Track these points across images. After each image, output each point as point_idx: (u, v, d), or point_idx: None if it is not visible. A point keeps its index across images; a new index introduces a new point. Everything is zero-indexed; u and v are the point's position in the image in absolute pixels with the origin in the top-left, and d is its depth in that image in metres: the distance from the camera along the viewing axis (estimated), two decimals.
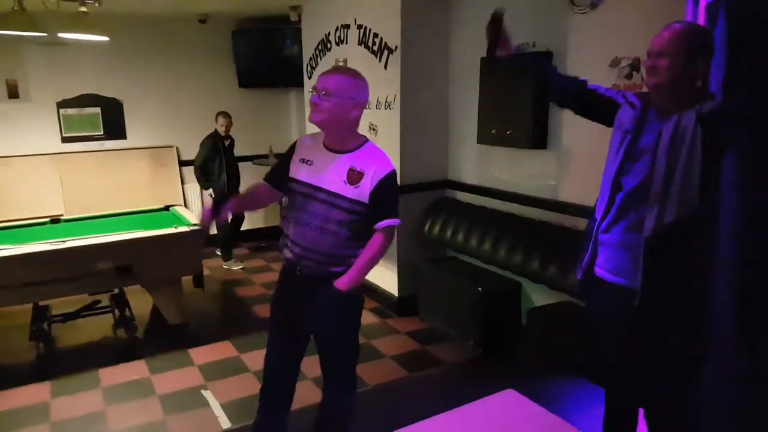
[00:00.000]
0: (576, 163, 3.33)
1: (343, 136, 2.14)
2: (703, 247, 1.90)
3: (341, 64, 4.76)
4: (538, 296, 3.59)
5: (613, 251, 1.98)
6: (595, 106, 2.09)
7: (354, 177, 2.09)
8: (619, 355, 2.08)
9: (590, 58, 3.13)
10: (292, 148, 2.27)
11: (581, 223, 3.22)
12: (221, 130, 5.45)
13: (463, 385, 3.32)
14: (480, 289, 3.61)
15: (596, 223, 2.03)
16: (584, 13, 3.16)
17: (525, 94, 3.44)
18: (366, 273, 2.19)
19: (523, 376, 3.27)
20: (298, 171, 2.19)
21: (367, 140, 2.19)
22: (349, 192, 2.09)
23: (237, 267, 5.64)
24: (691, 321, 1.90)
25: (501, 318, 3.69)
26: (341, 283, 2.14)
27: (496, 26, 2.17)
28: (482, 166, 4.04)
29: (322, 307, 2.20)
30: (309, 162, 2.17)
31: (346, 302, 2.20)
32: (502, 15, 2.17)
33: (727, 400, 1.96)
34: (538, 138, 3.46)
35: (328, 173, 2.12)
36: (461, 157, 4.24)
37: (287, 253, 2.24)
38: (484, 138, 3.84)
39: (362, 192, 2.08)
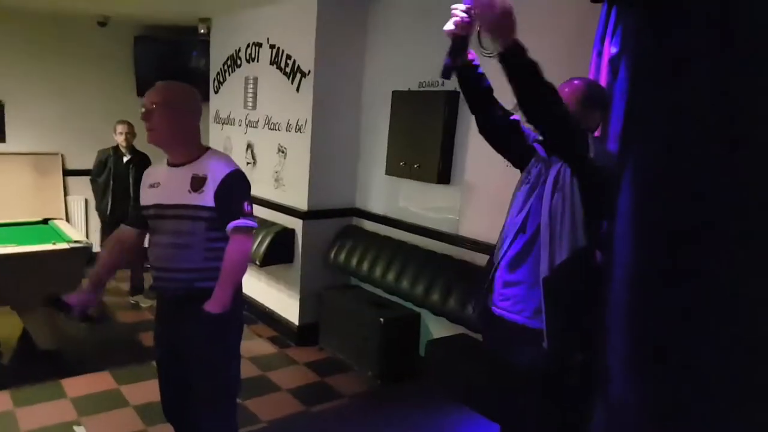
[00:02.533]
0: (477, 199, 3.45)
1: (183, 148, 2.12)
2: (595, 284, 2.00)
3: (250, 81, 4.64)
4: (437, 328, 3.64)
5: (510, 290, 2.04)
6: (518, 147, 2.13)
7: (197, 183, 2.04)
8: (516, 392, 2.13)
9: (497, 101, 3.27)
10: (142, 182, 2.22)
11: (479, 258, 3.34)
12: (120, 142, 4.56)
13: (361, 418, 3.27)
14: (381, 319, 3.60)
15: (495, 263, 2.09)
16: (492, 56, 3.31)
17: (433, 128, 3.53)
18: (232, 287, 2.04)
19: (419, 408, 3.29)
20: (147, 198, 2.15)
21: (210, 149, 2.18)
22: (194, 199, 2.04)
23: (147, 304, 4.79)
24: (589, 359, 1.99)
25: (400, 348, 3.70)
26: (210, 306, 2.01)
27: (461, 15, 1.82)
28: (389, 196, 4.08)
29: (189, 332, 2.07)
30: (156, 185, 2.13)
31: (215, 326, 2.04)
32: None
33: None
34: (443, 173, 3.55)
35: (173, 188, 2.08)
36: (369, 186, 4.25)
37: (154, 279, 2.18)
38: (392, 169, 3.88)
39: (207, 196, 2.03)
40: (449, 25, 1.79)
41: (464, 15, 1.76)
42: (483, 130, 2.17)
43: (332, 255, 4.16)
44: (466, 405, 3.06)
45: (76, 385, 3.44)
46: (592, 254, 1.92)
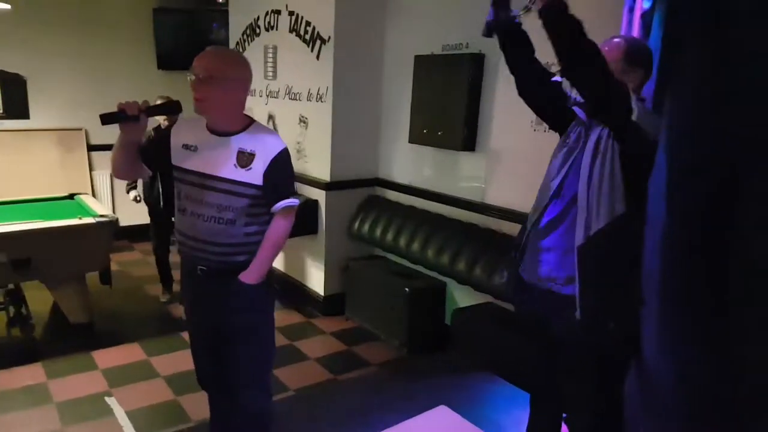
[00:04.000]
0: (503, 166, 3.34)
1: (228, 118, 2.00)
2: (631, 252, 1.91)
3: (270, 50, 4.56)
4: (463, 297, 3.59)
5: (543, 256, 1.97)
6: (558, 110, 2.04)
7: (244, 159, 1.96)
8: (549, 359, 2.08)
9: None
10: (169, 131, 2.10)
11: (506, 226, 3.26)
12: (162, 122, 4.13)
13: (389, 386, 3.27)
14: (407, 288, 3.56)
15: (529, 229, 2.02)
16: (533, 11, 3.16)
17: (458, 93, 3.41)
18: (271, 261, 2.07)
19: (447, 376, 3.26)
20: (183, 159, 2.02)
21: (253, 120, 2.07)
22: (241, 175, 1.96)
23: (165, 298, 4.46)
24: (623, 326, 1.91)
25: (426, 318, 3.66)
26: (247, 277, 2.01)
27: None
28: (413, 165, 3.99)
29: (229, 304, 2.05)
30: (193, 148, 2.01)
31: (254, 296, 2.05)
32: None
33: (649, 403, 2.00)
34: (467, 140, 3.45)
35: (216, 158, 1.98)
36: (392, 155, 4.17)
37: (183, 249, 2.08)
38: (415, 137, 3.79)
39: (255, 174, 1.96)
40: None
41: None
42: (522, 92, 2.10)
43: (356, 225, 4.12)
44: (495, 373, 3.03)
45: (107, 357, 3.50)
46: (630, 221, 1.82)
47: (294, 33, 4.27)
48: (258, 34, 4.75)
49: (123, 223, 4.14)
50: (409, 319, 3.59)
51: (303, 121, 4.33)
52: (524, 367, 2.35)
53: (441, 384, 3.17)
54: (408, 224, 3.78)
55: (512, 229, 3.16)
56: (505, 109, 3.26)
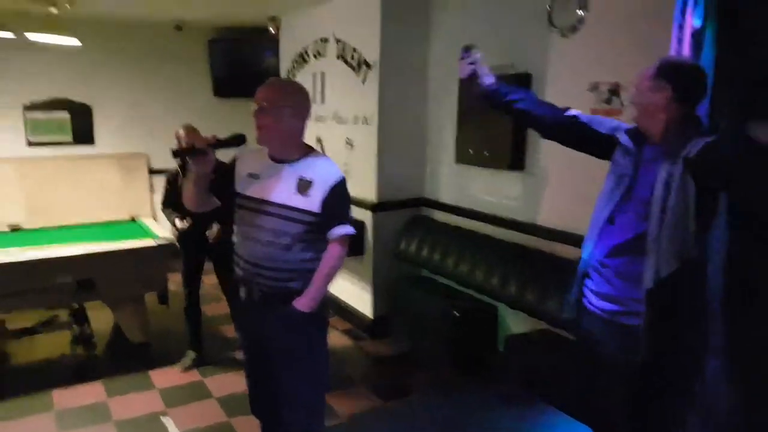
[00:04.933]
0: (554, 186, 3.28)
1: (287, 146, 2.08)
2: (701, 297, 1.85)
3: (318, 77, 4.67)
4: (515, 322, 3.51)
5: (604, 283, 1.91)
6: (589, 142, 2.03)
7: (303, 186, 2.02)
8: (609, 393, 2.00)
9: (569, 81, 3.10)
10: (234, 162, 2.18)
11: (558, 248, 3.19)
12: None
13: (439, 413, 3.22)
14: (456, 312, 3.51)
15: (588, 254, 1.97)
16: (564, 36, 3.13)
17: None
18: (326, 288, 2.11)
19: (500, 405, 3.18)
20: (245, 186, 2.10)
21: (312, 149, 2.13)
22: (300, 202, 2.01)
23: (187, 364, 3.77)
24: (684, 365, 1.84)
25: (477, 343, 3.60)
26: (301, 303, 2.05)
27: (465, 63, 2.13)
28: (459, 185, 3.97)
29: (282, 329, 2.09)
30: (255, 176, 2.09)
31: (308, 322, 2.09)
32: (471, 48, 2.12)
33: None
34: (515, 160, 3.40)
35: (276, 185, 2.04)
36: (438, 176, 4.16)
37: (239, 272, 2.14)
38: (461, 157, 3.77)
39: (313, 201, 2.01)
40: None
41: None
42: (546, 137, 2.16)
43: (402, 246, 4.12)
44: (552, 404, 2.92)
45: (163, 377, 3.62)
46: (700, 266, 1.75)
47: (341, 59, 4.36)
48: (307, 62, 4.88)
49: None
50: (459, 342, 3.54)
51: (349, 143, 4.39)
52: (584, 398, 2.26)
53: (494, 413, 3.08)
54: (455, 245, 3.74)
55: (564, 251, 3.09)
56: None
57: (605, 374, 2.00)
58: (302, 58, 4.95)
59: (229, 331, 4.32)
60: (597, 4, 2.95)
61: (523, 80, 3.30)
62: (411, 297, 3.97)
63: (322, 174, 2.04)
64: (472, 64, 2.09)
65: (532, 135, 3.35)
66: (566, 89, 3.09)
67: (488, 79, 2.11)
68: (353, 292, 4.48)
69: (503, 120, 3.38)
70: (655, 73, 1.79)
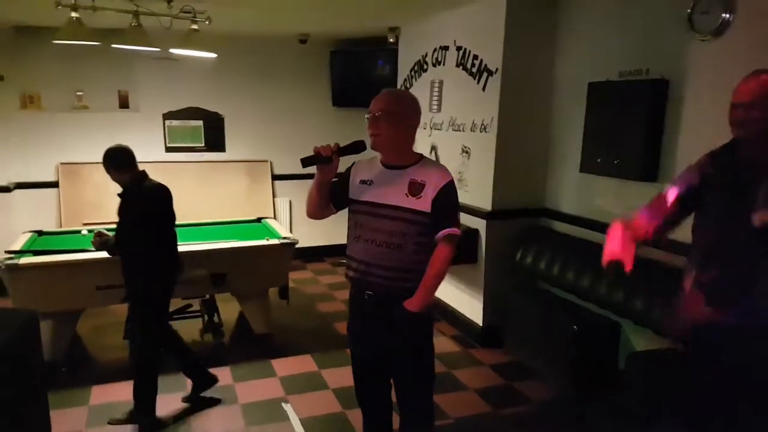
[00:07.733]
0: None
1: (399, 152, 2.18)
2: None
3: (435, 85, 4.74)
4: (640, 340, 3.32)
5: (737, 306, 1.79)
6: (688, 209, 2.05)
7: (415, 188, 2.11)
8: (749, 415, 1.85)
9: (710, 89, 2.90)
10: (348, 172, 2.29)
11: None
12: None
13: (554, 428, 3.12)
14: (575, 327, 3.39)
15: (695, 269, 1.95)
16: (706, 40, 2.93)
17: (636, 120, 3.23)
18: (435, 289, 2.16)
19: (619, 425, 3.02)
20: (360, 193, 2.21)
21: (423, 156, 2.22)
22: (412, 203, 2.10)
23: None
24: None
25: (597, 360, 3.44)
26: (412, 304, 2.11)
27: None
28: (584, 195, 3.83)
29: (394, 329, 2.16)
30: (369, 182, 2.20)
31: (418, 322, 2.16)
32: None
33: None
34: (648, 169, 3.23)
35: (389, 189, 2.14)
36: (561, 185, 4.05)
37: (352, 273, 2.23)
38: (587, 166, 3.64)
39: (425, 202, 2.09)
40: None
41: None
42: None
43: (518, 256, 4.04)
44: (679, 429, 2.73)
45: (284, 366, 3.83)
46: None
47: (461, 67, 4.39)
48: (425, 70, 4.96)
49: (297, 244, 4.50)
50: (576, 358, 3.40)
51: (466, 151, 4.40)
52: (721, 424, 2.09)
53: (610, 430, 2.94)
54: (576, 256, 3.61)
55: None
56: (693, 137, 3.01)
57: (751, 399, 1.85)
58: (420, 67, 5.04)
59: (341, 327, 4.47)
60: (745, 5, 2.75)
61: (660, 86, 3.13)
62: (526, 308, 3.87)
63: (433, 176, 2.12)
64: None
65: (668, 143, 3.17)
66: (707, 97, 2.90)
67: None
68: (463, 299, 4.46)
69: (635, 127, 3.25)
70: None
